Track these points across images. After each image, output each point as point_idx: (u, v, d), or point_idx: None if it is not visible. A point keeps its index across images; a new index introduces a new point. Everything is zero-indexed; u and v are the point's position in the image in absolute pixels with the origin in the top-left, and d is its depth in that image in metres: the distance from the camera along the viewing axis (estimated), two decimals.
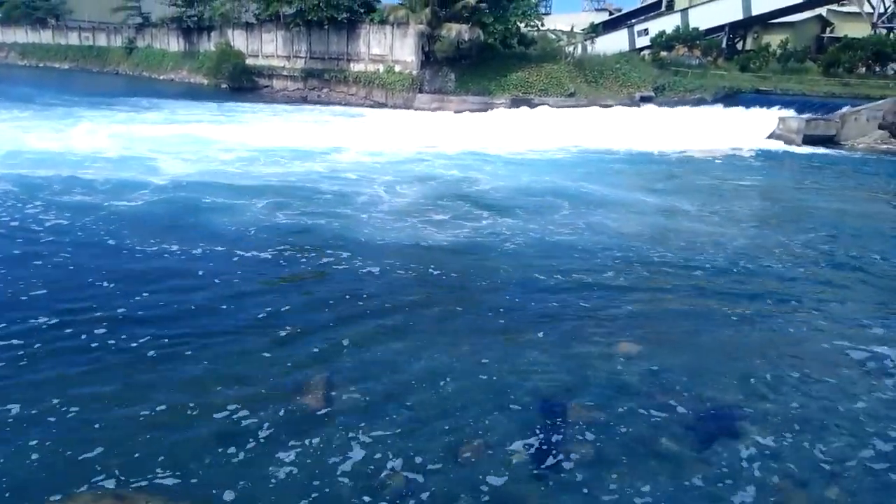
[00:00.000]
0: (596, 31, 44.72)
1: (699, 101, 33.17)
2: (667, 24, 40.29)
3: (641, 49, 40.78)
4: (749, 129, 26.10)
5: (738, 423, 5.48)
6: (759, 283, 8.80)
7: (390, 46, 35.43)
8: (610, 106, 32.37)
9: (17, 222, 9.92)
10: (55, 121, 21.61)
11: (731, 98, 32.73)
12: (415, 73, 34.27)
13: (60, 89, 36.05)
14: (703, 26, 39.07)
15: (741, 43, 42.75)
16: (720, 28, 39.76)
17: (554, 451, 4.95)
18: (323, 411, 5.33)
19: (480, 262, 9.30)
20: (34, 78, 47.23)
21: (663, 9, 44.71)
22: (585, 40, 42.24)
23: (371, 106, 34.83)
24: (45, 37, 61.65)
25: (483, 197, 13.60)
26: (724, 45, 40.45)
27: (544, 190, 14.47)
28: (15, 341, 6.07)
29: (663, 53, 38.82)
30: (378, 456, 4.80)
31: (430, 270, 8.81)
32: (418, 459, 4.76)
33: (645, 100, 33.73)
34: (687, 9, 40.66)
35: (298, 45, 39.58)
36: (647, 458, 4.91)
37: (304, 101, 36.94)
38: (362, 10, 36.11)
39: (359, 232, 10.39)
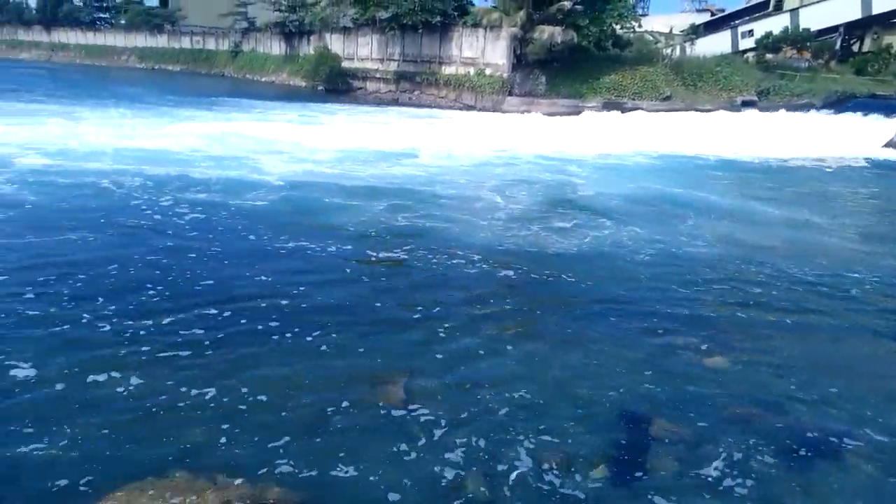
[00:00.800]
0: (696, 32, 43.02)
1: (807, 106, 31.20)
2: (774, 24, 38.11)
3: (745, 51, 38.82)
4: (863, 137, 24.28)
5: (839, 449, 5.09)
6: (874, 304, 8.15)
7: (482, 49, 35.60)
8: (708, 111, 31.04)
9: (159, 216, 10.51)
10: (159, 119, 23.20)
11: (842, 103, 30.57)
12: (505, 75, 34.25)
13: (168, 90, 38.63)
14: (814, 27, 36.69)
15: (857, 44, 39.80)
16: (834, 28, 37.18)
17: (637, 467, 4.77)
18: (402, 407, 5.37)
19: (595, 271, 8.96)
20: (147, 79, 50.86)
21: (771, 9, 42.36)
22: (684, 42, 40.72)
23: (460, 108, 35.11)
24: (161, 41, 66.35)
25: (595, 203, 13.31)
26: (837, 46, 37.80)
27: (655, 197, 14.08)
28: (128, 322, 6.53)
29: (769, 56, 36.75)
30: (456, 457, 4.79)
31: (546, 278, 8.62)
32: (498, 464, 4.72)
33: (747, 104, 32.11)
34: (797, 8, 38.30)
35: (392, 49, 40.52)
36: (737, 481, 4.65)
37: (396, 102, 37.74)
38: (455, 14, 36.50)
39: (479, 237, 10.28)
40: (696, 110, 31.20)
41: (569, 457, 4.81)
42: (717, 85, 33.50)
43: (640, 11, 41.95)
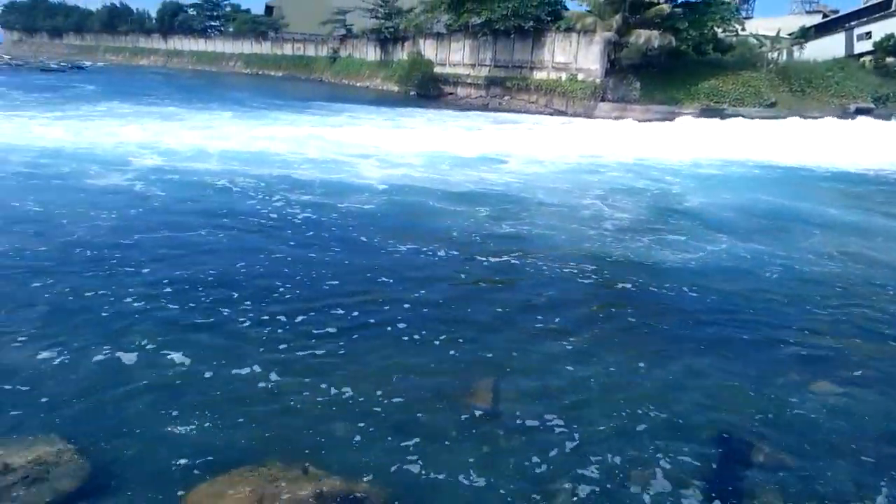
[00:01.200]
0: (805, 35, 40.43)
1: None
2: None
3: (861, 55, 36.10)
4: None
5: None
6: None
7: (574, 54, 35.13)
8: (816, 118, 29.16)
9: (275, 215, 11.08)
10: (259, 122, 24.47)
11: None
12: (598, 81, 33.62)
13: (270, 94, 40.61)
14: None
15: None
16: None
17: (734, 494, 4.56)
18: (490, 415, 5.40)
19: (709, 286, 8.59)
20: (252, 84, 53.73)
21: (893, 9, 39.22)
22: (792, 45, 38.39)
23: (550, 114, 34.78)
24: (265, 48, 69.85)
25: (705, 215, 12.86)
26: None
27: (770, 210, 13.50)
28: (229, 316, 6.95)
29: (889, 59, 34.03)
30: (542, 466, 4.77)
31: (657, 290, 8.41)
32: (585, 476, 4.65)
33: (861, 112, 29.93)
34: None
35: (483, 54, 40.72)
36: None
37: (486, 108, 37.88)
38: (548, 19, 36.21)
39: (586, 247, 10.18)
40: (804, 117, 29.39)
41: (660, 476, 4.67)
42: (828, 91, 31.43)
43: (743, 14, 40.03)
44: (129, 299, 7.10)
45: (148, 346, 6.09)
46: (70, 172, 13.55)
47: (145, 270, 8.03)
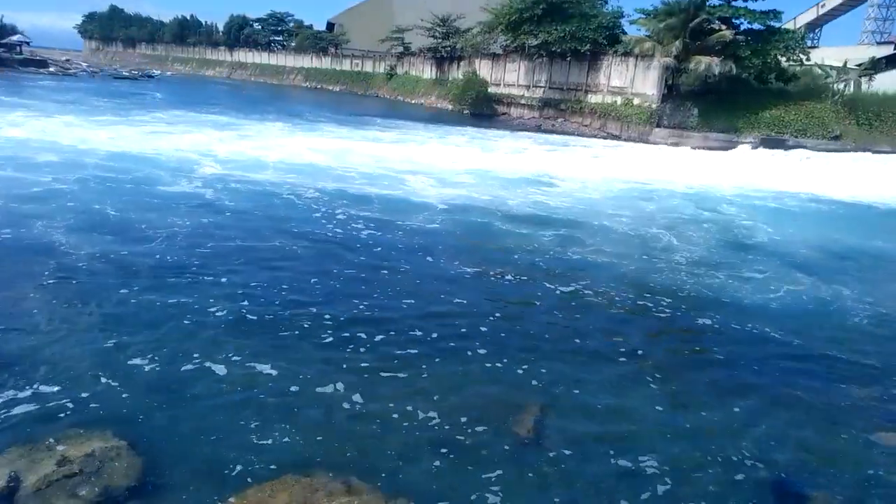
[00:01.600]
0: (875, 66, 39.02)
1: None
2: None
3: None
4: None
5: None
6: None
7: (631, 79, 34.82)
8: (886, 153, 28.04)
9: (339, 230, 11.32)
10: (312, 134, 25.17)
11: None
12: (654, 106, 33.19)
13: (327, 108, 41.58)
14: None
15: None
16: None
17: None
18: (532, 440, 5.35)
19: (785, 326, 8.26)
20: (310, 97, 55.16)
21: None
22: (860, 76, 37.09)
23: (604, 138, 34.47)
24: (325, 63, 71.70)
25: (779, 251, 12.41)
26: None
27: (849, 249, 13.10)
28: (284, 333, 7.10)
29: None
30: (580, 499, 4.70)
31: (716, 324, 8.21)
32: None
33: None
34: None
35: (539, 76, 40.77)
36: None
37: (539, 129, 37.81)
38: (605, 43, 36.04)
39: (658, 279, 9.97)
40: (872, 152, 28.30)
41: None
42: None
43: (809, 43, 38.92)
44: (192, 304, 7.35)
45: (206, 352, 6.27)
46: (141, 178, 14.12)
47: (212, 277, 8.31)
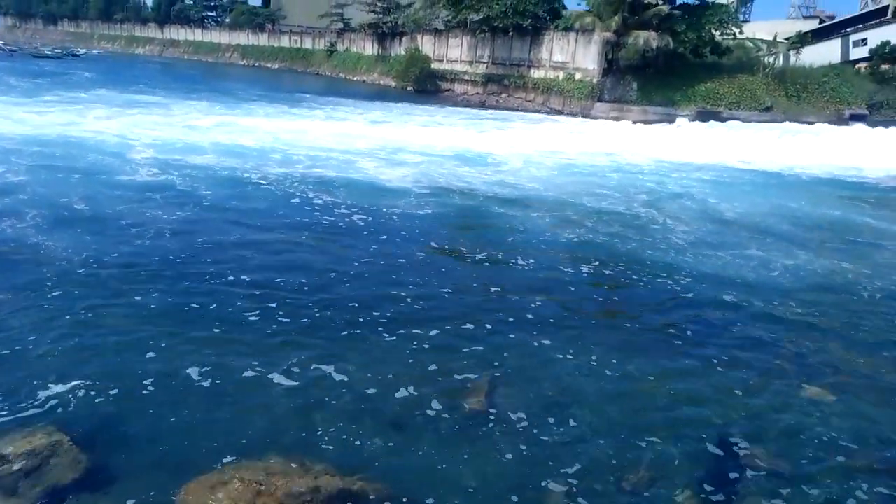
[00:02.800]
0: (803, 40, 40.59)
1: None
2: (892, 33, 35.37)
3: (857, 61, 36.28)
4: None
5: None
6: None
7: (572, 53, 35.15)
8: (812, 123, 29.34)
9: (283, 212, 11.04)
10: (252, 116, 24.43)
11: None
12: (595, 81, 33.66)
13: (270, 87, 40.47)
14: None
15: None
16: None
17: (726, 496, 4.61)
18: (485, 413, 5.42)
19: (718, 292, 8.50)
20: (249, 76, 53.46)
21: (889, 16, 39.39)
22: (789, 50, 38.53)
23: (547, 113, 34.81)
24: (262, 39, 69.48)
25: (746, 221, 12.77)
26: None
27: (785, 216, 13.55)
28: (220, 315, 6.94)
29: (884, 66, 34.23)
30: (536, 469, 4.79)
31: (653, 293, 8.44)
32: (578, 478, 4.68)
33: (856, 118, 30.14)
34: None
35: (481, 51, 40.69)
36: None
37: (483, 105, 37.84)
38: (547, 17, 36.20)
39: (593, 251, 10.08)
40: (799, 122, 29.56)
41: (654, 478, 4.70)
42: (824, 97, 31.63)
43: (741, 18, 40.08)
44: (132, 294, 7.09)
45: (148, 343, 6.07)
46: (86, 166, 13.36)
47: (151, 267, 8.03)
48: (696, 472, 4.81)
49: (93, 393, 5.20)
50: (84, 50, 72.50)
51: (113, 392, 5.24)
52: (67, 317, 6.43)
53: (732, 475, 4.83)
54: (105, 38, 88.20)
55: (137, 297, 7.00)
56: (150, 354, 5.85)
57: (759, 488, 4.69)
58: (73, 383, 5.30)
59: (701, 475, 4.79)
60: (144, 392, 5.29)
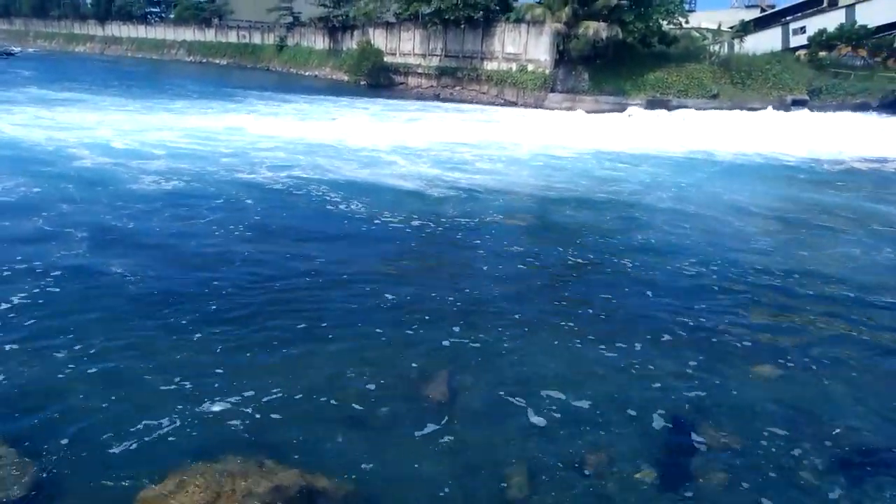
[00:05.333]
0: (745, 28, 41.78)
1: (862, 107, 30.17)
2: (828, 21, 36.81)
3: (797, 49, 37.60)
4: None
5: (891, 463, 4.96)
6: None
7: (524, 45, 35.37)
8: (757, 109, 30.26)
9: (228, 210, 10.79)
10: (211, 113, 23.85)
11: None
12: (548, 71, 33.96)
13: (222, 84, 39.52)
14: (872, 23, 35.25)
15: None
16: (893, 25, 35.68)
17: (681, 473, 4.74)
18: (445, 404, 5.43)
19: (672, 273, 8.77)
20: (197, 73, 52.10)
21: (825, 5, 40.92)
22: (733, 39, 39.62)
23: (502, 104, 34.97)
24: (209, 35, 67.64)
25: (697, 206, 13.06)
26: None
27: (743, 199, 13.96)
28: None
29: (822, 53, 35.54)
30: (499, 454, 4.83)
31: (607, 279, 8.62)
32: (540, 462, 4.74)
33: (797, 104, 31.23)
34: (854, 4, 36.86)
35: (434, 44, 40.57)
36: (785, 493, 4.57)
37: (437, 98, 37.77)
38: (498, 9, 36.32)
39: (547, 237, 10.30)
40: (745, 109, 30.46)
41: (612, 459, 4.80)
42: (767, 83, 32.63)
43: (686, 7, 40.97)
44: (72, 299, 6.84)
45: (93, 348, 5.88)
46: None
47: (90, 270, 7.78)
48: (653, 452, 4.93)
49: (38, 401, 5.00)
50: (19, 48, 69.41)
51: (60, 399, 5.06)
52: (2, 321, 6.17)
53: (687, 452, 4.97)
54: (41, 35, 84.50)
55: (77, 302, 6.76)
56: (98, 358, 5.67)
57: (712, 464, 4.83)
58: (16, 390, 5.10)
59: (657, 455, 4.90)
60: (94, 397, 5.12)
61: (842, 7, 37.93)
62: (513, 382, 5.81)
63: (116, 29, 77.53)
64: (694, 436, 5.15)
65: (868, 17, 35.42)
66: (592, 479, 4.61)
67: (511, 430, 5.11)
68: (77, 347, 5.84)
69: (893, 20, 35.21)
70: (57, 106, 22.94)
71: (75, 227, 9.22)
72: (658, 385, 5.86)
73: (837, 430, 5.30)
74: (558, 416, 5.32)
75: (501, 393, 5.63)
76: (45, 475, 4.25)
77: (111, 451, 4.55)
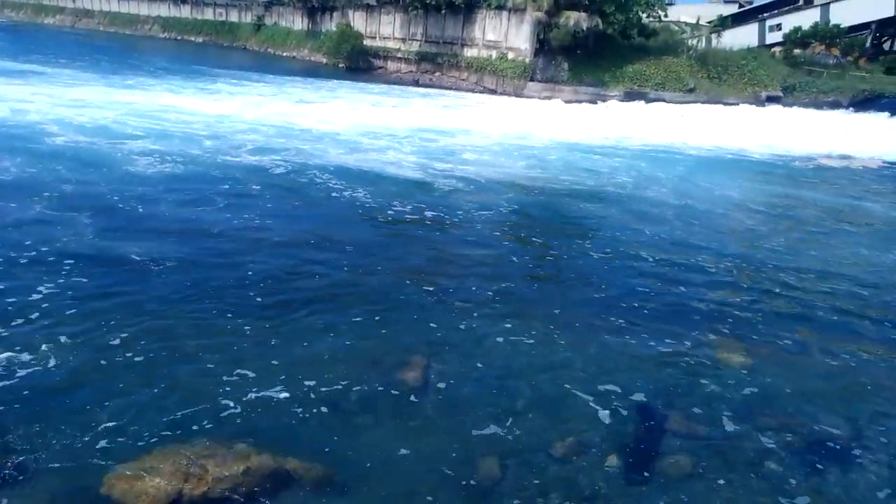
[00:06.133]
0: (723, 24, 42.20)
1: (834, 105, 30.75)
2: (803, 19, 37.33)
3: (772, 45, 38.10)
4: (891, 138, 23.87)
5: (851, 453, 5.13)
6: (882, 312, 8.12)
7: (505, 33, 35.23)
8: (732, 104, 30.65)
9: (210, 193, 10.68)
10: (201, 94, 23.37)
11: (871, 102, 30.09)
12: (528, 60, 33.91)
13: (197, 62, 38.70)
14: (845, 23, 35.85)
15: (889, 43, 38.92)
16: (866, 25, 36.35)
17: (648, 459, 4.86)
18: (420, 390, 5.47)
19: (630, 264, 8.90)
20: (173, 50, 50.95)
21: (801, 3, 41.49)
22: (711, 33, 39.95)
23: (481, 92, 34.85)
24: (185, 11, 66.05)
25: (672, 197, 13.21)
26: (868, 44, 37.00)
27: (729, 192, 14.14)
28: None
29: (797, 51, 36.07)
30: (470, 440, 4.90)
31: (578, 267, 8.75)
32: (510, 448, 4.82)
33: (772, 100, 31.69)
34: (828, 3, 37.42)
35: (415, 28, 40.19)
36: (748, 479, 4.71)
37: (416, 83, 37.49)
38: None
39: (523, 224, 10.35)
40: (721, 104, 30.83)
41: (581, 445, 4.90)
42: (743, 79, 33.00)
43: (666, 1, 41.18)
44: (33, 285, 6.70)
45: (65, 326, 5.80)
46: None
47: (53, 256, 7.60)
48: (620, 438, 5.03)
49: (6, 385, 4.91)
50: None
51: (27, 384, 4.98)
52: None
53: (653, 439, 5.09)
54: (8, 5, 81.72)
55: (40, 287, 6.61)
56: (67, 343, 5.58)
57: (679, 451, 4.95)
58: None
59: (624, 441, 5.01)
60: (62, 382, 5.06)
61: (817, 6, 38.48)
62: (486, 369, 5.88)
63: (88, 1, 75.36)
64: (662, 424, 5.27)
65: (842, 16, 36.02)
66: (561, 465, 4.70)
67: (483, 417, 5.17)
68: (44, 332, 5.73)
69: (866, 20, 35.90)
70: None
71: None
72: (628, 373, 5.97)
73: (802, 420, 5.47)
74: (530, 403, 5.40)
75: (475, 380, 5.69)
76: (13, 459, 4.20)
77: (80, 435, 4.50)
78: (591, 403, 5.44)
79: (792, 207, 13.36)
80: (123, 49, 46.60)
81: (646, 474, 4.70)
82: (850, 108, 30.07)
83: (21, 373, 5.10)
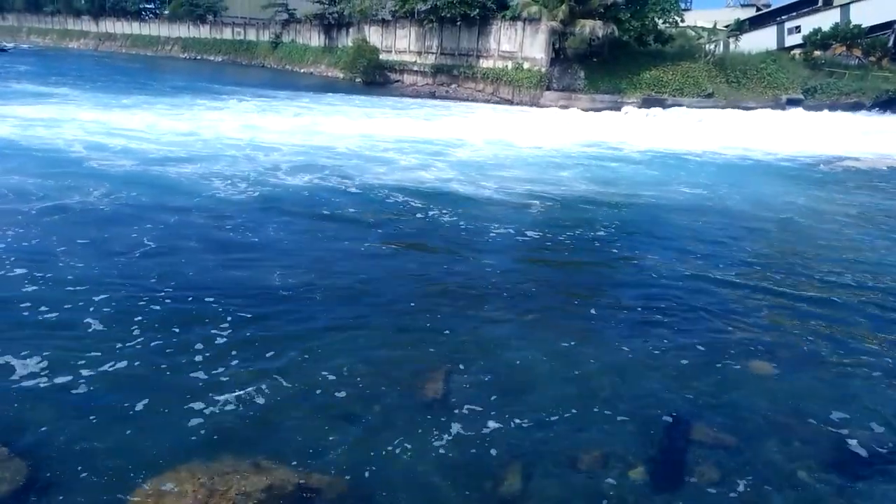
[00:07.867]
0: (741, 27, 41.89)
1: (856, 106, 30.28)
2: (823, 20, 36.93)
3: (791, 48, 37.72)
4: None
5: (887, 464, 4.97)
6: None
7: (520, 43, 35.35)
8: (752, 108, 30.33)
9: (233, 207, 10.78)
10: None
11: (894, 103, 29.59)
12: (543, 70, 33.95)
13: (215, 80, 39.35)
14: (866, 23, 35.39)
15: None
16: (887, 25, 35.82)
17: (675, 470, 4.75)
18: (441, 401, 5.42)
19: (653, 271, 8.75)
20: (192, 69, 51.85)
21: (820, 4, 41.02)
22: (728, 38, 39.70)
23: (497, 102, 34.96)
24: (204, 32, 67.37)
25: (695, 205, 13.07)
26: (890, 43, 36.42)
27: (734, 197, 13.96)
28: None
29: (817, 53, 35.65)
30: (494, 452, 4.83)
31: (600, 275, 8.74)
32: (534, 461, 4.74)
33: (792, 103, 31.32)
34: (848, 4, 36.97)
35: (430, 41, 40.51)
36: (778, 490, 4.58)
37: (433, 96, 37.72)
38: (494, 7, 36.28)
39: (546, 237, 10.23)
40: (740, 108, 30.53)
41: (606, 457, 4.80)
42: (762, 82, 32.70)
43: (682, 6, 41.01)
44: (57, 297, 6.79)
45: (86, 344, 5.85)
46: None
47: (77, 269, 7.70)
48: (647, 450, 4.93)
49: (30, 399, 4.97)
50: (12, 44, 69.02)
51: (52, 397, 5.03)
52: None
53: (680, 449, 4.98)
54: (35, 31, 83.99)
55: (63, 299, 6.69)
56: (91, 357, 5.63)
57: (706, 462, 4.83)
58: (9, 389, 5.07)
59: (651, 453, 4.91)
60: (86, 396, 5.09)
61: (836, 6, 38.04)
62: (509, 380, 5.81)
63: (110, 25, 77.13)
64: (688, 434, 5.16)
65: (862, 16, 35.55)
66: (586, 477, 4.61)
67: (506, 428, 5.10)
68: (70, 347, 5.80)
69: (887, 20, 35.36)
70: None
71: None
72: (653, 382, 5.86)
73: (832, 429, 5.32)
74: (553, 414, 5.31)
75: (497, 390, 5.62)
76: (37, 474, 4.22)
77: (105, 451, 4.52)
78: (615, 414, 5.34)
79: (823, 212, 13.11)
80: (144, 69, 47.59)
81: (672, 486, 4.60)
82: (874, 109, 29.56)
83: (41, 387, 5.15)
